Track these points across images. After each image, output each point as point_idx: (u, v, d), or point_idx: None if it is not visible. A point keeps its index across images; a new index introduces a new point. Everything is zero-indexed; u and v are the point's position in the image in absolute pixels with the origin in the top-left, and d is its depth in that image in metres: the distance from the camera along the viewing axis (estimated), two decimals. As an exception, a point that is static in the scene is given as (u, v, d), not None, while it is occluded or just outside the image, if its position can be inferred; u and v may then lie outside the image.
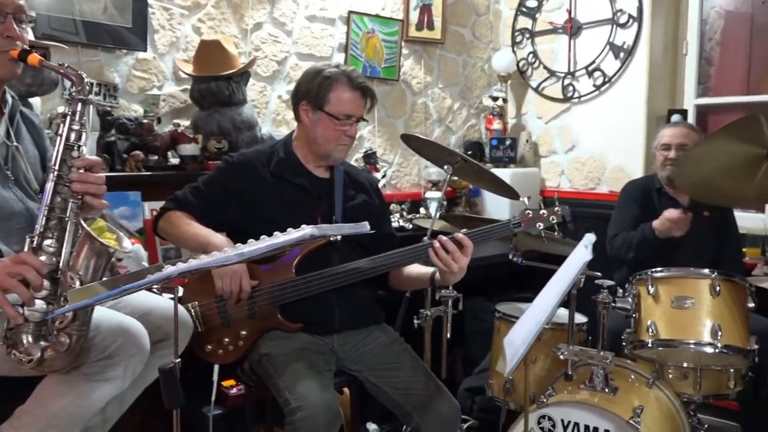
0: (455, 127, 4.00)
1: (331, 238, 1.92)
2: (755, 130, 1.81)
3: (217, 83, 2.60)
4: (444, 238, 1.81)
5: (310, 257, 1.90)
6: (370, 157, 3.39)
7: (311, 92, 1.92)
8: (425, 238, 2.46)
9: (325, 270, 1.85)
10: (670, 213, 2.42)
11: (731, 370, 2.07)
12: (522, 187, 3.74)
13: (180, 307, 1.58)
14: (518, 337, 1.44)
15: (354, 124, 1.96)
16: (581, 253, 1.55)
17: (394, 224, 3.31)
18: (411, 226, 3.33)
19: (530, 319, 1.45)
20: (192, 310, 1.84)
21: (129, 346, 1.50)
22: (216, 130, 2.64)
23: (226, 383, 2.35)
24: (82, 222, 1.33)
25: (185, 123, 2.81)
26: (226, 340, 1.88)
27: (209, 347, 1.88)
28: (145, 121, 2.52)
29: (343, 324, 1.95)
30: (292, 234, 1.11)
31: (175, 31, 2.82)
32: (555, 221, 1.92)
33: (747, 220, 2.95)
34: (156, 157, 2.56)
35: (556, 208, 1.92)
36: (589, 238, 1.70)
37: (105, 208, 1.43)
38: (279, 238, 1.11)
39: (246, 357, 1.92)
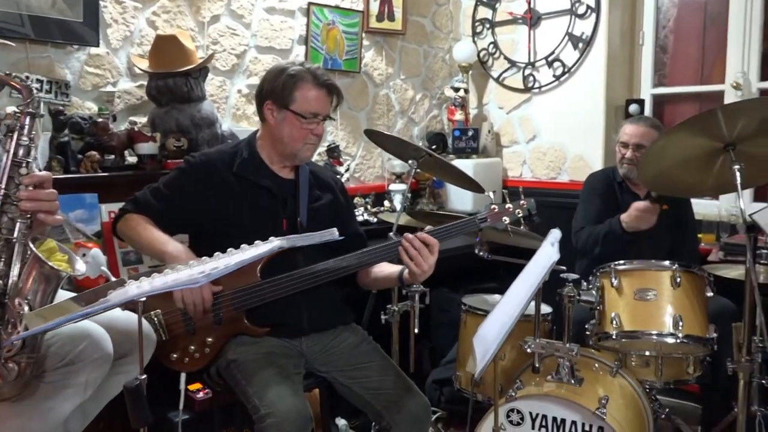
0: (417, 118, 3.99)
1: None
2: (713, 124, 1.85)
3: (174, 79, 2.52)
4: (410, 236, 1.80)
5: (275, 259, 1.86)
6: (333, 151, 3.36)
7: (276, 91, 1.88)
8: (391, 233, 2.47)
9: (292, 272, 1.82)
10: (638, 204, 2.45)
11: (691, 357, 2.13)
12: (485, 177, 3.79)
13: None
14: (487, 337, 1.45)
15: (320, 123, 1.93)
16: (548, 252, 1.56)
17: (359, 218, 3.30)
18: (375, 219, 3.32)
19: (498, 321, 1.46)
20: (155, 319, 1.80)
21: (92, 350, 1.46)
22: (175, 127, 2.57)
23: (192, 387, 2.30)
24: (31, 244, 1.27)
25: (142, 120, 2.73)
26: (192, 347, 1.84)
27: (174, 356, 1.84)
28: (99, 119, 2.43)
29: (311, 326, 1.94)
30: (261, 248, 1.08)
31: (129, 25, 2.72)
32: (521, 215, 1.93)
33: (702, 207, 3.03)
34: (112, 157, 2.48)
35: (522, 202, 1.93)
36: (555, 234, 1.72)
37: (59, 224, 1.37)
38: (247, 253, 1.08)
39: (212, 363, 1.89)
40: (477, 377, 1.45)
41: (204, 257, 1.17)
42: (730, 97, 3.21)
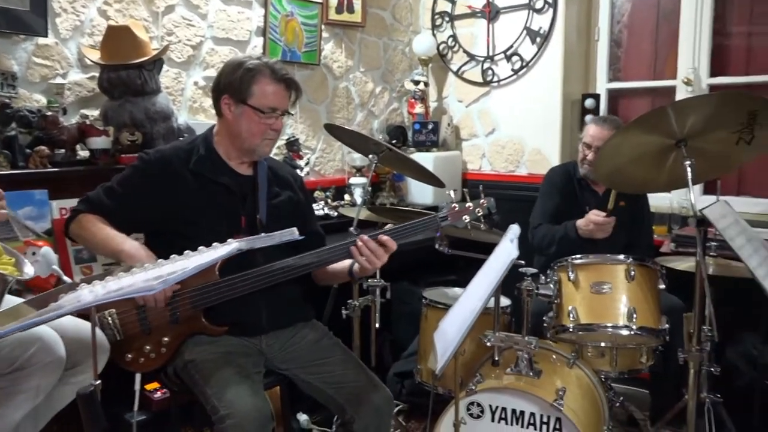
0: (378, 111, 3.98)
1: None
2: (664, 121, 1.89)
3: (127, 72, 2.45)
4: (366, 238, 1.79)
5: (234, 257, 1.81)
6: (292, 145, 3.33)
7: (233, 85, 1.84)
8: (351, 229, 2.46)
9: (251, 271, 1.80)
10: (595, 217, 2.49)
11: (644, 347, 2.19)
12: (444, 170, 3.81)
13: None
14: (447, 334, 1.46)
15: (279, 118, 1.90)
16: (508, 249, 1.58)
17: (319, 212, 3.29)
18: (336, 214, 3.31)
19: (458, 318, 1.47)
20: (109, 318, 1.75)
21: (43, 355, 1.42)
22: (128, 121, 2.50)
23: (149, 386, 2.26)
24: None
25: (94, 113, 2.65)
26: (148, 347, 1.80)
27: (129, 356, 1.80)
28: (49, 113, 2.34)
29: (271, 324, 1.92)
30: (218, 250, 1.06)
31: (79, 15, 2.63)
32: (480, 213, 1.95)
33: (655, 200, 3.10)
34: (63, 152, 2.40)
35: (482, 201, 1.95)
36: (514, 231, 1.74)
37: (4, 219, 1.32)
38: (204, 257, 1.06)
39: (169, 363, 1.85)
40: (438, 373, 1.46)
41: (160, 260, 1.14)
42: (682, 93, 3.30)
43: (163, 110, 2.57)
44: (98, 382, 1.15)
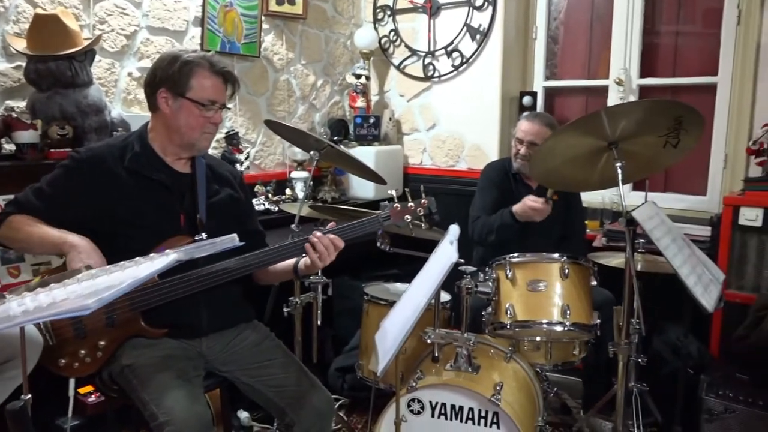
0: (319, 104, 3.95)
1: (196, 237, 1.85)
2: (598, 125, 1.97)
3: (57, 63, 2.34)
4: (319, 234, 1.80)
5: (173, 258, 1.81)
6: (232, 138, 3.27)
7: (171, 79, 1.79)
8: (293, 225, 2.45)
9: (192, 272, 1.76)
10: (533, 201, 2.57)
11: (577, 341, 2.28)
12: (386, 164, 3.84)
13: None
14: (388, 336, 1.48)
15: (218, 111, 1.87)
16: (448, 251, 1.60)
17: (259, 207, 3.25)
18: (276, 209, 3.27)
19: (399, 320, 1.50)
20: (40, 322, 1.69)
21: None
22: (58, 114, 2.40)
23: (82, 390, 2.19)
24: None
25: (20, 105, 2.53)
26: (83, 352, 1.74)
27: (63, 361, 1.74)
28: (-30, 105, 2.22)
29: (211, 326, 1.89)
30: (156, 263, 1.04)
31: (3, 1, 2.49)
32: (422, 213, 1.97)
33: (587, 195, 3.21)
34: (-14, 146, 2.28)
35: (423, 201, 1.97)
36: (454, 232, 1.77)
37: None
38: (142, 270, 1.03)
39: (105, 367, 1.80)
40: (379, 375, 1.48)
41: (93, 270, 1.11)
42: (614, 93, 3.42)
43: (96, 103, 2.48)
44: (29, 396, 1.11)
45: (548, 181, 2.30)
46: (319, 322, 2.56)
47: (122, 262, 1.12)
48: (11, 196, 2.18)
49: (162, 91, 1.82)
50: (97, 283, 0.97)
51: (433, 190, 3.89)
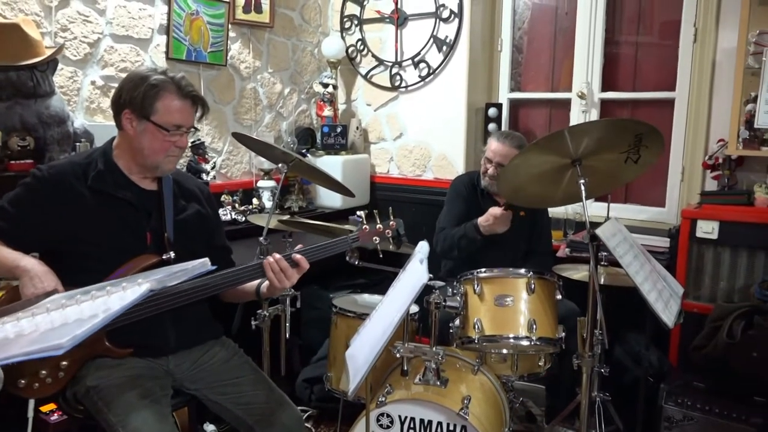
0: (286, 112, 3.94)
1: (164, 256, 1.83)
2: (561, 143, 2.01)
3: (17, 73, 2.29)
4: (278, 256, 1.78)
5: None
6: (198, 148, 3.24)
7: (135, 101, 1.76)
8: (261, 238, 2.44)
9: (159, 292, 1.73)
10: (494, 210, 2.63)
11: (542, 353, 2.32)
12: (353, 173, 3.85)
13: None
14: (358, 358, 1.49)
15: (184, 135, 1.84)
16: (418, 271, 1.62)
17: (226, 217, 3.22)
18: (243, 219, 3.25)
19: (369, 340, 1.51)
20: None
21: None
22: (19, 125, 2.35)
23: (45, 408, 2.14)
24: None
25: (-22, 115, 2.46)
26: (44, 372, 1.70)
27: (23, 382, 1.69)
28: (-74, 116, 2.16)
29: (179, 344, 1.87)
30: (129, 293, 1.02)
31: (-40, 7, 2.43)
32: (390, 235, 1.98)
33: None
34: (-57, 159, 2.22)
35: (391, 222, 1.98)
36: (424, 250, 1.78)
37: None
38: (114, 302, 1.02)
39: (68, 388, 1.76)
40: (350, 396, 1.49)
41: (57, 296, 1.08)
42: (576, 105, 3.50)
43: (58, 114, 2.43)
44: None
45: (515, 198, 2.34)
46: (287, 335, 2.56)
47: (91, 289, 1.10)
48: (-31, 210, 2.12)
49: (126, 112, 1.79)
50: (66, 315, 0.96)
51: (399, 198, 3.95)
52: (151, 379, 1.77)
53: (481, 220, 2.67)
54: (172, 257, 1.82)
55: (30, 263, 1.65)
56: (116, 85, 2.88)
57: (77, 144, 2.51)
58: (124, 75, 2.94)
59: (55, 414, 2.14)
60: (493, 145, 2.83)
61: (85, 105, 2.87)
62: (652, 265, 2.06)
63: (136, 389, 1.70)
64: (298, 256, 1.77)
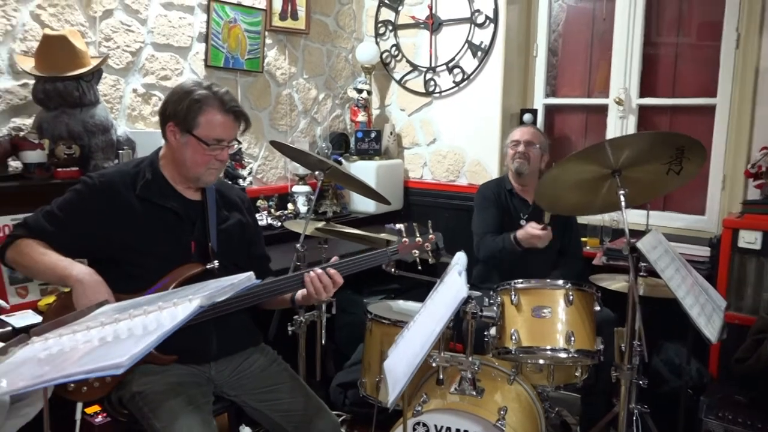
0: (320, 118, 3.97)
1: (208, 266, 1.87)
2: (601, 154, 2.00)
3: (64, 83, 2.35)
4: (320, 271, 1.81)
5: (184, 285, 1.82)
6: (235, 154, 3.27)
7: (179, 114, 1.80)
8: (298, 245, 2.47)
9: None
10: (533, 229, 2.69)
11: (580, 364, 2.31)
12: (386, 178, 3.87)
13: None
14: (397, 369, 1.50)
15: (225, 148, 1.87)
16: (457, 284, 1.62)
17: (262, 222, 3.26)
18: (279, 224, 3.29)
19: (408, 352, 1.52)
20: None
21: None
22: (65, 134, 2.41)
23: (90, 410, 2.19)
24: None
25: (26, 122, 2.54)
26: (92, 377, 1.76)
27: (72, 385, 1.75)
28: (-21, 126, 2.23)
29: (221, 351, 1.91)
30: (180, 312, 1.05)
31: (10, 19, 2.50)
32: (429, 248, 2.00)
33: (587, 213, 3.25)
34: (-6, 167, 2.29)
35: (430, 236, 2.00)
36: (462, 261, 1.78)
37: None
38: (165, 318, 1.05)
39: (114, 392, 1.81)
40: (390, 407, 1.50)
41: (112, 311, 1.12)
42: (613, 111, 3.46)
43: (102, 122, 2.49)
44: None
45: (552, 207, 2.33)
46: (323, 342, 2.59)
47: (142, 303, 1.13)
48: (19, 216, 2.21)
49: (171, 125, 1.84)
50: (119, 330, 0.99)
51: (433, 204, 3.95)
52: (194, 386, 1.81)
53: (520, 236, 2.74)
54: (216, 266, 1.86)
55: (82, 272, 1.69)
56: (157, 92, 3.02)
57: (120, 151, 2.57)
58: (164, 83, 3.05)
59: (100, 416, 2.19)
60: (517, 131, 3.05)
61: (126, 112, 2.94)
62: (693, 277, 2.03)
63: (180, 396, 1.74)
64: (332, 271, 1.81)
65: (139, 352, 0.88)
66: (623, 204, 2.06)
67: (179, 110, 1.80)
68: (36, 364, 0.94)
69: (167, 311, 1.07)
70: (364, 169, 3.79)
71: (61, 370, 0.85)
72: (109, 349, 0.93)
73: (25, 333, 1.12)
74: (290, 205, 3.54)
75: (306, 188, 3.61)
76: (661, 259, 1.89)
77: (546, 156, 3.03)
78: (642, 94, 3.40)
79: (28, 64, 2.43)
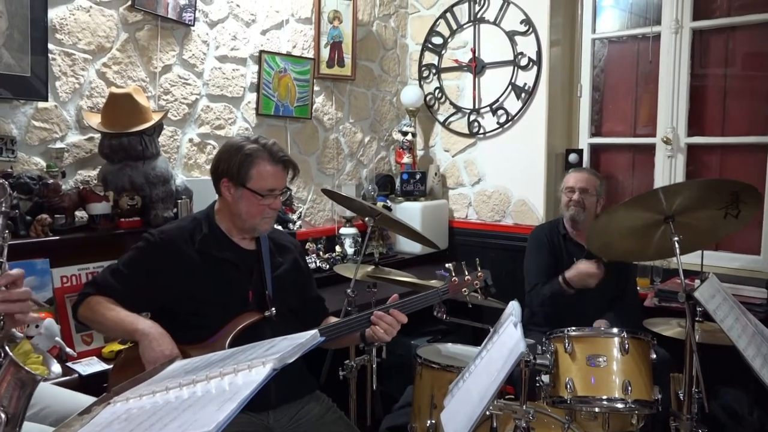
0: (366, 160, 4.05)
1: (266, 313, 1.93)
2: (655, 201, 2.00)
3: (129, 138, 2.48)
4: (381, 313, 1.86)
5: (243, 333, 1.88)
6: (285, 200, 3.36)
7: (232, 169, 1.90)
8: (348, 290, 2.52)
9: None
10: (586, 267, 2.65)
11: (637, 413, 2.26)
12: (432, 218, 3.90)
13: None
14: (455, 420, 1.51)
15: (278, 197, 1.96)
16: (514, 337, 1.62)
17: (311, 265, 3.32)
18: (328, 267, 3.35)
19: (466, 405, 1.53)
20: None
21: None
22: (128, 185, 2.53)
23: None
24: (7, 348, 1.24)
25: (91, 174, 2.67)
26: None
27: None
28: (50, 181, 2.36)
29: (279, 399, 1.95)
30: (254, 377, 1.10)
31: (78, 78, 2.66)
32: (478, 286, 2.03)
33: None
34: (63, 218, 2.41)
35: (479, 273, 2.02)
36: (516, 312, 1.79)
37: (36, 322, 1.34)
38: (241, 382, 1.09)
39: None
40: (449, 460, 1.51)
41: (183, 371, 1.17)
42: (661, 151, 3.43)
43: (163, 174, 2.61)
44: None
45: (605, 253, 2.33)
46: (374, 387, 2.61)
47: (214, 361, 1.18)
48: (87, 266, 2.32)
49: (225, 181, 1.93)
50: (197, 392, 1.04)
51: (479, 244, 3.96)
52: (253, 435, 1.85)
53: (571, 276, 2.70)
54: (274, 313, 1.92)
55: (147, 326, 1.77)
56: (211, 141, 3.14)
57: (179, 201, 2.68)
58: (218, 132, 3.18)
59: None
60: (572, 176, 2.98)
61: (183, 161, 3.07)
62: (753, 325, 1.99)
63: (239, 445, 1.78)
64: (396, 311, 1.86)
65: (223, 420, 0.93)
66: (677, 250, 2.05)
67: (232, 166, 1.89)
68: (120, 425, 0.99)
69: (241, 374, 1.11)
70: (409, 210, 3.84)
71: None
72: (195, 413, 0.97)
73: (106, 393, 1.18)
74: (338, 247, 3.60)
75: (353, 230, 3.67)
76: (720, 308, 1.86)
77: (602, 200, 2.99)
78: (690, 133, 3.37)
79: (94, 120, 2.57)
